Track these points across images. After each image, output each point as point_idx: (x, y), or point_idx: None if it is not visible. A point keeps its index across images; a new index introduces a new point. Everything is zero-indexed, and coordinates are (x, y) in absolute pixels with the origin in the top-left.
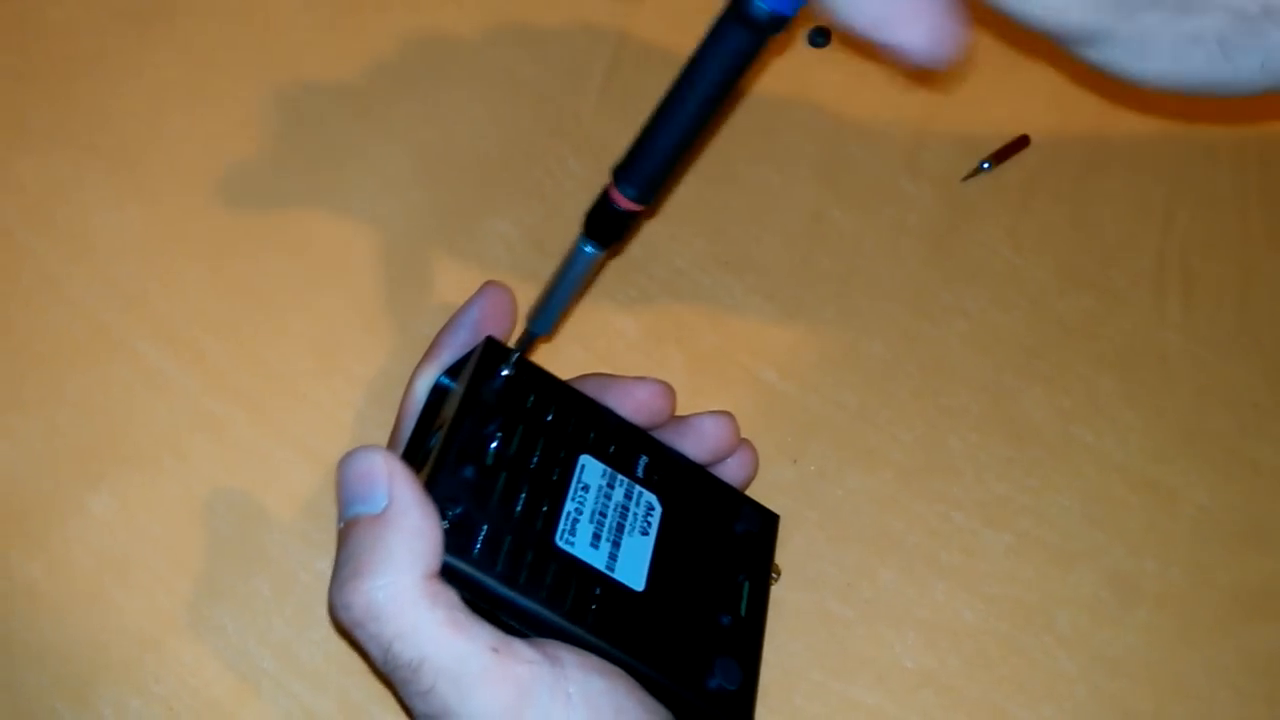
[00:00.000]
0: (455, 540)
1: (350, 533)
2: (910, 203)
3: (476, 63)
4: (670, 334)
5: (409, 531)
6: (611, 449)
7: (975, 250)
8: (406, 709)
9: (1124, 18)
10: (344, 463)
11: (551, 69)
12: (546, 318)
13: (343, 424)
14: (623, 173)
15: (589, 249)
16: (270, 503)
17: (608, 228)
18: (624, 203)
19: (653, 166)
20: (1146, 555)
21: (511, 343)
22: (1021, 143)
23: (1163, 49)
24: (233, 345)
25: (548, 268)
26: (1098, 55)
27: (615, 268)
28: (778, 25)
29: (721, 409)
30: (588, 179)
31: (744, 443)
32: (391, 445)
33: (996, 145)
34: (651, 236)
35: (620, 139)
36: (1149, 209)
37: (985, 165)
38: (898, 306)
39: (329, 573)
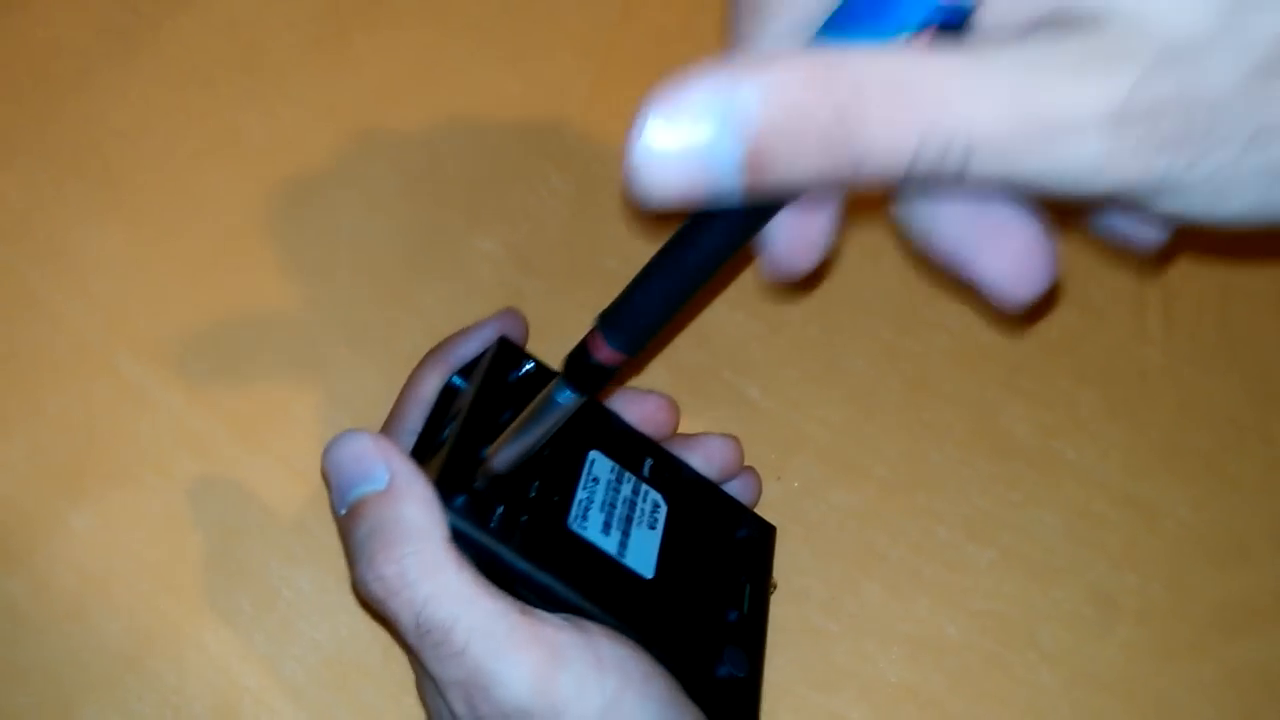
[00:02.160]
0: (473, 514)
1: (361, 513)
2: (890, 220)
3: (461, 81)
4: (654, 350)
5: (420, 500)
6: (619, 449)
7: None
8: (432, 681)
9: (1188, 166)
10: (333, 448)
11: (536, 87)
12: (508, 457)
13: (326, 441)
14: (612, 323)
15: (565, 396)
16: (252, 519)
17: (588, 377)
18: (607, 355)
19: (642, 323)
20: (1128, 570)
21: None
22: None
23: (1243, 186)
24: (215, 362)
25: (532, 287)
26: (1167, 205)
27: (598, 288)
28: None
29: (721, 432)
30: (572, 197)
31: (748, 469)
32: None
33: None
34: (633, 255)
35: (604, 158)
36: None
37: None
38: (880, 322)
39: (310, 589)
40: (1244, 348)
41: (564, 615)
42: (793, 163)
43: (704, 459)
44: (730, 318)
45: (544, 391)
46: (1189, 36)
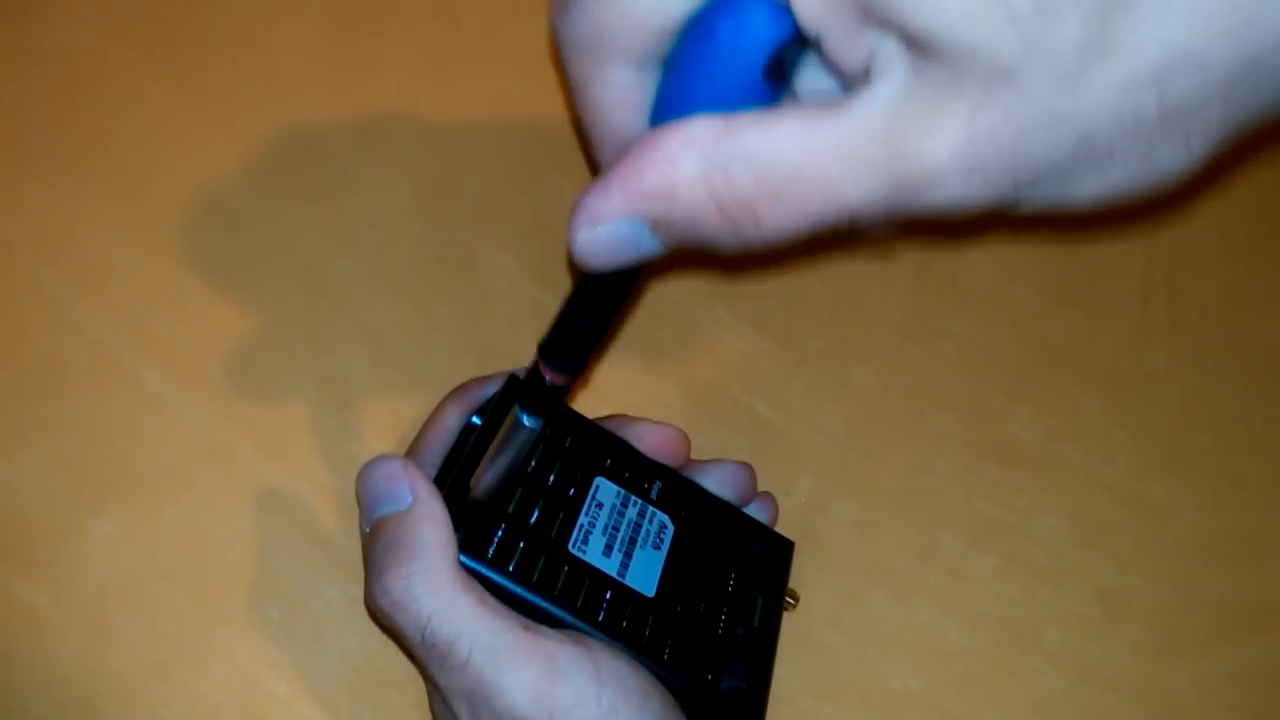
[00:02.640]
0: (471, 542)
1: (381, 530)
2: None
3: (476, 89)
4: (668, 370)
5: (436, 522)
6: (626, 475)
7: (961, 274)
8: (439, 691)
9: (1030, 181)
10: (366, 470)
11: (549, 95)
12: (488, 481)
13: (349, 454)
14: (549, 355)
15: (528, 421)
16: (276, 531)
17: (542, 401)
18: (555, 379)
19: (576, 348)
20: (1134, 572)
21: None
22: None
23: (1081, 181)
24: (236, 374)
25: (548, 300)
26: (1023, 207)
27: None
28: None
29: (734, 452)
30: None
31: (764, 494)
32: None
33: None
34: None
35: None
36: (1133, 228)
37: None
38: (885, 331)
39: (339, 600)
40: (1250, 348)
41: (566, 631)
42: (702, 243)
43: (718, 484)
44: (739, 331)
45: (509, 416)
46: (1004, 61)
